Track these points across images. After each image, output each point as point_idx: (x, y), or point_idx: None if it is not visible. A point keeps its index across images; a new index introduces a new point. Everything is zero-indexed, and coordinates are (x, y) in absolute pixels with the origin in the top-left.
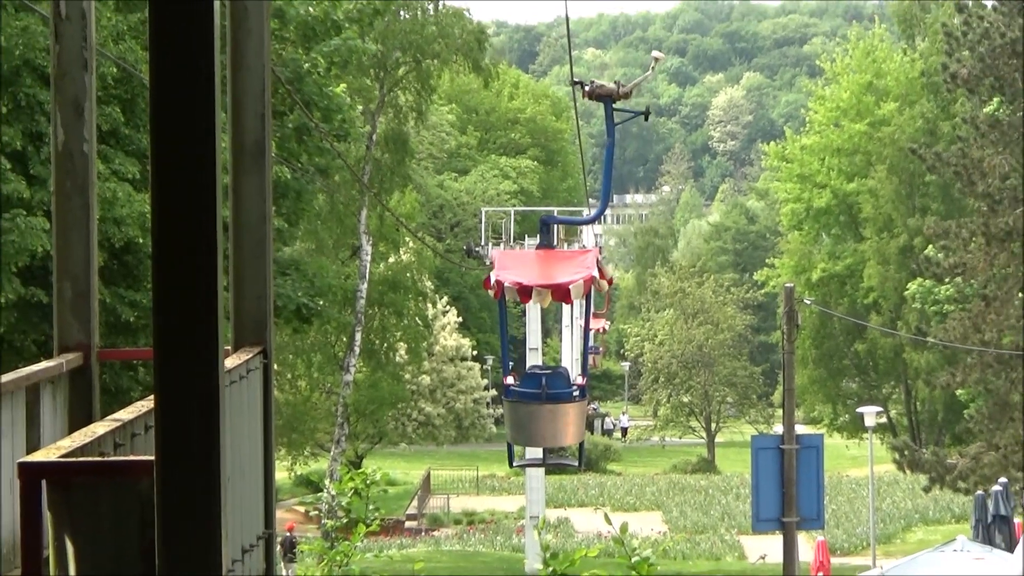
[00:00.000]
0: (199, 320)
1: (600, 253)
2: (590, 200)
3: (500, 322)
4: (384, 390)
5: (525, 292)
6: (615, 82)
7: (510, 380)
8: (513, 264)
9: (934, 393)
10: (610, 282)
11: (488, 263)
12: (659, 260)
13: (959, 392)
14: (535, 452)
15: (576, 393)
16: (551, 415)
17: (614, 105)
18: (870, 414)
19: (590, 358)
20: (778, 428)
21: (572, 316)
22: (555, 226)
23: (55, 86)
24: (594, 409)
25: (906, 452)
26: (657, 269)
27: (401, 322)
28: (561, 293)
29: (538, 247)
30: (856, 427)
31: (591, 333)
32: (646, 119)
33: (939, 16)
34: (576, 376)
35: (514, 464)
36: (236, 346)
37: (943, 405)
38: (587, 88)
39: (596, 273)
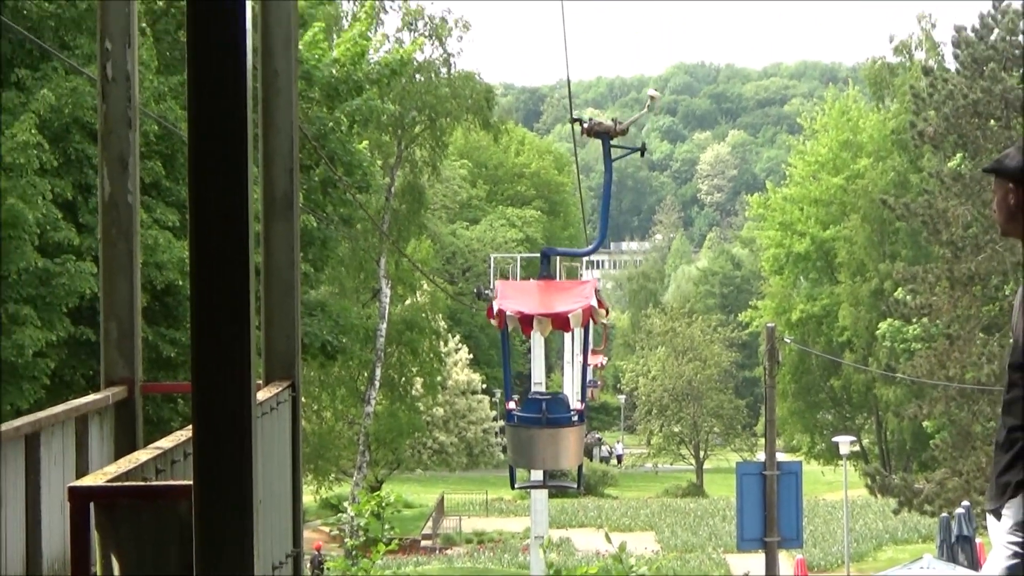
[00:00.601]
0: (233, 356)
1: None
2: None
3: (503, 348)
4: (402, 420)
5: (526, 321)
6: (612, 120)
7: (512, 405)
8: (515, 294)
9: (903, 424)
10: (607, 311)
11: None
12: (652, 302)
13: (926, 423)
14: (537, 475)
15: (575, 418)
16: (551, 439)
17: (611, 142)
18: (844, 443)
19: (589, 391)
20: (761, 456)
21: (572, 352)
22: (556, 259)
23: (102, 142)
24: (597, 439)
25: (877, 477)
26: (650, 310)
27: (417, 358)
28: (560, 321)
29: (538, 278)
30: (832, 455)
31: (590, 368)
32: (642, 155)
33: (907, 79)
34: (575, 402)
35: (516, 486)
36: (267, 380)
37: (911, 435)
38: (586, 125)
39: (594, 303)
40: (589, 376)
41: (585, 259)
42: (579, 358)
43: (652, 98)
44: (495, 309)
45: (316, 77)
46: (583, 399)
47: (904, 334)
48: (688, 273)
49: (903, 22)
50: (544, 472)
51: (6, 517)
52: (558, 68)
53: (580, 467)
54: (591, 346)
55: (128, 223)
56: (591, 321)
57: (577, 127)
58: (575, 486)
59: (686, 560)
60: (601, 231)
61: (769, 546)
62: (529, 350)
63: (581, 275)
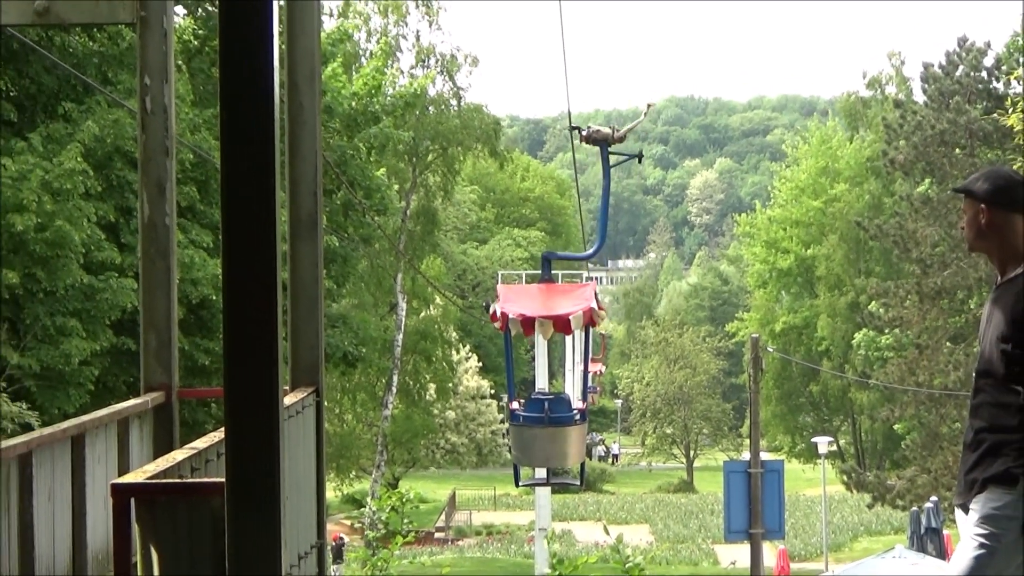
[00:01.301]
0: (262, 364)
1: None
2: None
3: (505, 350)
4: (417, 423)
5: (528, 323)
6: (610, 127)
7: (516, 405)
8: (517, 297)
9: (876, 426)
10: (604, 313)
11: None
12: (646, 315)
13: (897, 425)
14: (541, 472)
15: (577, 417)
16: (553, 437)
17: (609, 149)
18: (822, 443)
19: (589, 395)
20: (746, 455)
21: (573, 360)
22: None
23: (142, 169)
24: (600, 440)
25: (853, 475)
26: (644, 322)
27: (431, 366)
28: (562, 323)
29: (540, 282)
30: (811, 454)
31: (589, 375)
32: (639, 161)
33: (880, 111)
34: (577, 402)
35: (520, 483)
36: (293, 386)
37: (883, 436)
38: (584, 133)
39: (594, 305)
40: (589, 382)
41: (585, 275)
42: (580, 363)
43: (649, 106)
44: (498, 312)
45: (337, 110)
46: (584, 399)
47: (877, 343)
48: (679, 288)
49: (875, 58)
50: (547, 469)
51: (54, 512)
52: (559, 101)
53: (582, 465)
54: (590, 355)
55: (166, 243)
56: (592, 323)
57: (576, 134)
58: (577, 483)
59: (678, 550)
60: (600, 235)
61: (754, 537)
62: (534, 358)
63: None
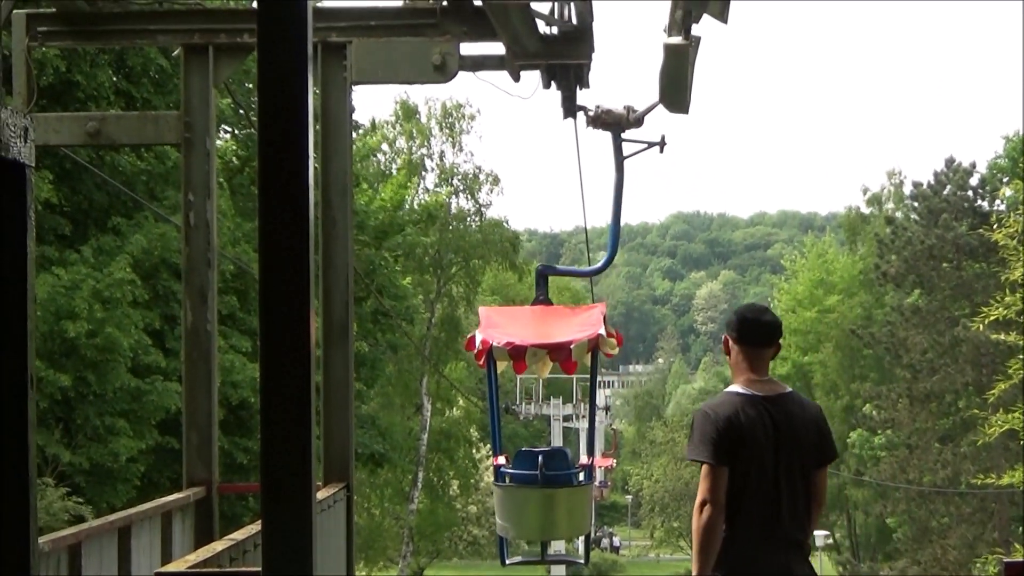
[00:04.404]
0: (296, 462)
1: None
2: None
3: (489, 390)
4: (440, 517)
5: (518, 354)
6: (625, 107)
7: (501, 460)
8: (504, 322)
9: (869, 520)
10: (620, 341)
11: (479, 327)
12: (655, 416)
13: (889, 519)
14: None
15: (580, 476)
16: (548, 501)
17: (623, 135)
18: (820, 536)
19: (599, 491)
20: None
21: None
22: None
23: (185, 279)
24: (611, 532)
25: (848, 566)
26: (654, 423)
27: (454, 464)
28: (561, 354)
29: (534, 302)
30: (809, 547)
31: (600, 470)
32: (661, 151)
33: (875, 227)
34: (582, 457)
35: (507, 562)
36: (326, 482)
37: (876, 530)
38: (591, 114)
39: (602, 331)
40: (600, 477)
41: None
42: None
43: None
44: (478, 340)
45: (366, 222)
46: (591, 452)
47: (871, 443)
48: (686, 391)
49: (868, 175)
50: (541, 544)
51: None
52: (575, 216)
53: (587, 537)
54: (603, 449)
55: (207, 348)
56: (606, 354)
57: (581, 117)
58: (581, 561)
59: None
60: (611, 244)
61: None
62: (549, 445)
63: None
